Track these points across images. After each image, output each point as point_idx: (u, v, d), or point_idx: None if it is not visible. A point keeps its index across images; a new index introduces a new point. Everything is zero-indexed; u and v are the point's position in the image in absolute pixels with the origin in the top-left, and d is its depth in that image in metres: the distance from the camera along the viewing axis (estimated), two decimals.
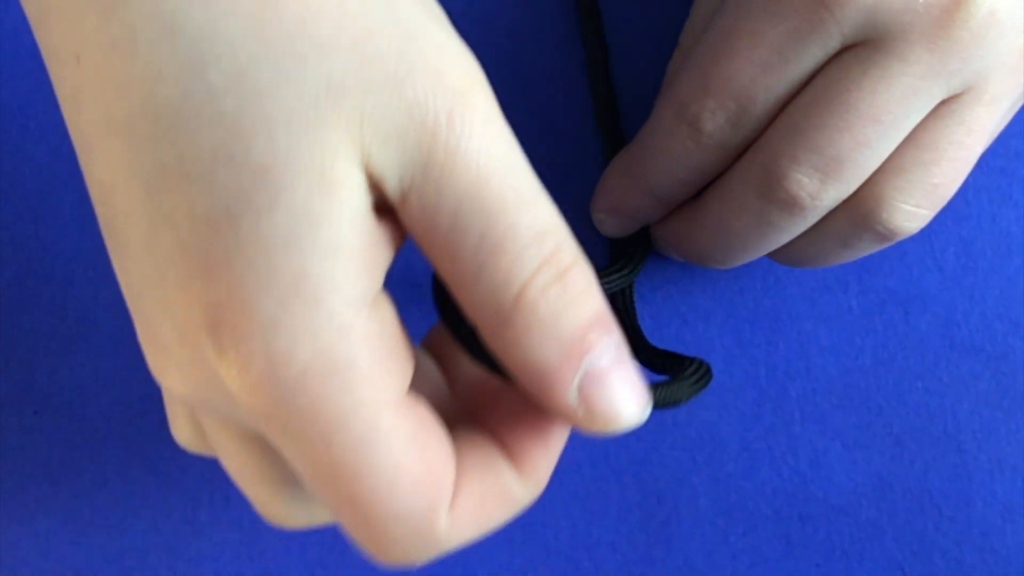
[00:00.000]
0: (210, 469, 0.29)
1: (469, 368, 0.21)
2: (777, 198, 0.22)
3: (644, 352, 0.26)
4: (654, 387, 0.20)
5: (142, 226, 0.16)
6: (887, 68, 0.21)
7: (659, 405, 0.19)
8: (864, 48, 0.21)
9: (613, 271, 0.27)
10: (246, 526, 0.28)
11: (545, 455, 0.19)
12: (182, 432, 0.21)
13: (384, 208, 0.17)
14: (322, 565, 0.28)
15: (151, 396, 0.29)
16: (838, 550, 0.28)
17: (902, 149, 0.22)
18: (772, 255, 0.26)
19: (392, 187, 0.16)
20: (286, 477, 0.19)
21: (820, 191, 0.22)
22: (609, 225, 0.27)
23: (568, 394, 0.17)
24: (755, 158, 0.23)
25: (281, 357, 0.16)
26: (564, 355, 0.17)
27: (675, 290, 0.29)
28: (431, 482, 0.17)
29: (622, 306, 0.28)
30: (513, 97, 0.29)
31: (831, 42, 0.21)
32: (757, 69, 0.22)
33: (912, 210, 0.22)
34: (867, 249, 0.24)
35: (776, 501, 0.28)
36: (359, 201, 0.16)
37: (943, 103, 0.22)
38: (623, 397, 0.17)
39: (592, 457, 0.28)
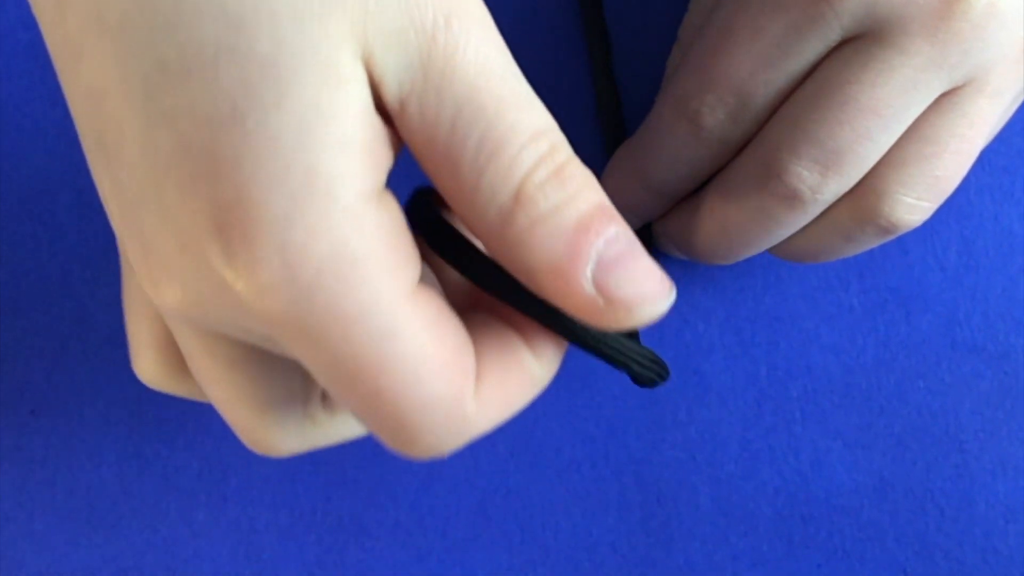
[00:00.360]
0: (208, 469, 0.28)
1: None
2: (778, 192, 0.22)
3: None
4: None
5: (138, 131, 0.16)
6: (887, 61, 0.21)
7: (614, 350, 0.19)
8: (864, 41, 0.21)
9: None
10: (244, 527, 0.28)
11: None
12: (148, 367, 0.20)
13: (381, 114, 0.17)
14: (320, 565, 0.28)
15: (148, 396, 0.28)
16: (839, 550, 0.28)
17: (904, 142, 0.22)
18: (774, 251, 0.25)
19: (391, 93, 0.16)
20: (275, 398, 0.19)
21: (821, 184, 0.22)
22: None
23: (583, 286, 0.16)
24: (755, 152, 0.23)
25: (297, 255, 0.15)
26: (571, 247, 0.16)
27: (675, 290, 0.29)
28: (455, 367, 0.17)
29: None
30: None
31: (831, 35, 0.21)
32: (757, 63, 0.22)
33: (914, 203, 0.22)
34: (870, 243, 0.24)
35: (777, 501, 0.28)
36: (365, 95, 0.16)
37: (944, 95, 0.22)
38: (642, 282, 0.17)
39: (591, 457, 0.28)
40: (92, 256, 0.29)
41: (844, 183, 0.22)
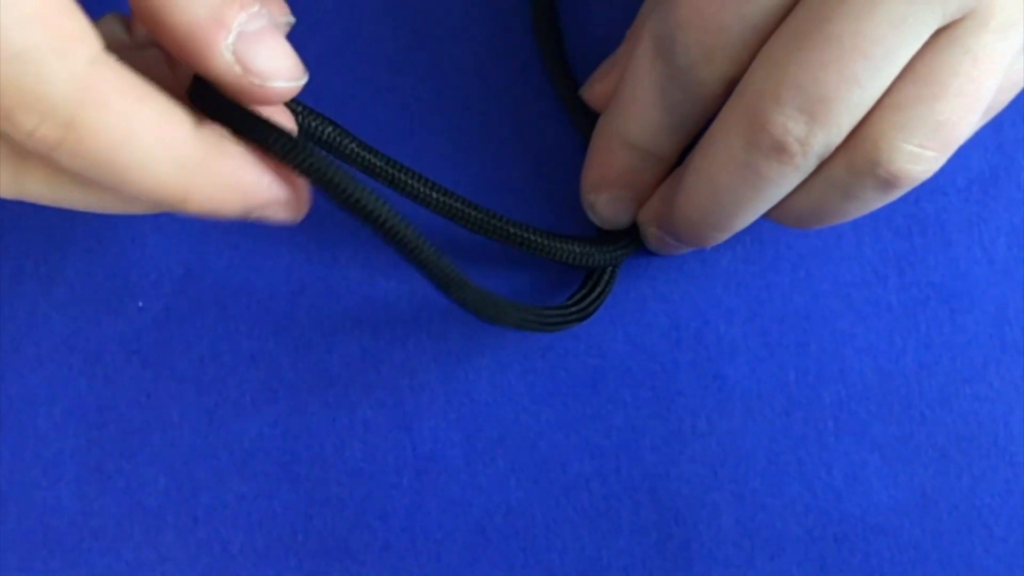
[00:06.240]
0: (176, 486, 0.27)
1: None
2: (764, 145, 0.21)
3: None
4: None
5: None
6: None
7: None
8: None
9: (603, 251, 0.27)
10: (216, 550, 0.27)
11: None
12: None
13: None
14: None
15: (109, 406, 0.27)
16: (877, 574, 0.27)
17: (899, 84, 0.21)
18: (773, 215, 0.24)
19: None
20: None
21: (808, 136, 0.21)
22: (601, 206, 0.26)
23: (222, 52, 0.19)
24: (738, 102, 0.22)
25: None
26: (215, 14, 0.18)
27: (694, 287, 0.28)
28: (58, 18, 0.17)
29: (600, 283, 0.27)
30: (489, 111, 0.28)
31: None
32: None
33: (916, 151, 0.21)
34: (872, 200, 0.22)
35: (807, 520, 0.27)
36: None
37: (942, 31, 0.20)
38: (279, 58, 0.19)
39: (602, 472, 0.27)
40: (44, 253, 0.28)
41: (834, 134, 0.21)
